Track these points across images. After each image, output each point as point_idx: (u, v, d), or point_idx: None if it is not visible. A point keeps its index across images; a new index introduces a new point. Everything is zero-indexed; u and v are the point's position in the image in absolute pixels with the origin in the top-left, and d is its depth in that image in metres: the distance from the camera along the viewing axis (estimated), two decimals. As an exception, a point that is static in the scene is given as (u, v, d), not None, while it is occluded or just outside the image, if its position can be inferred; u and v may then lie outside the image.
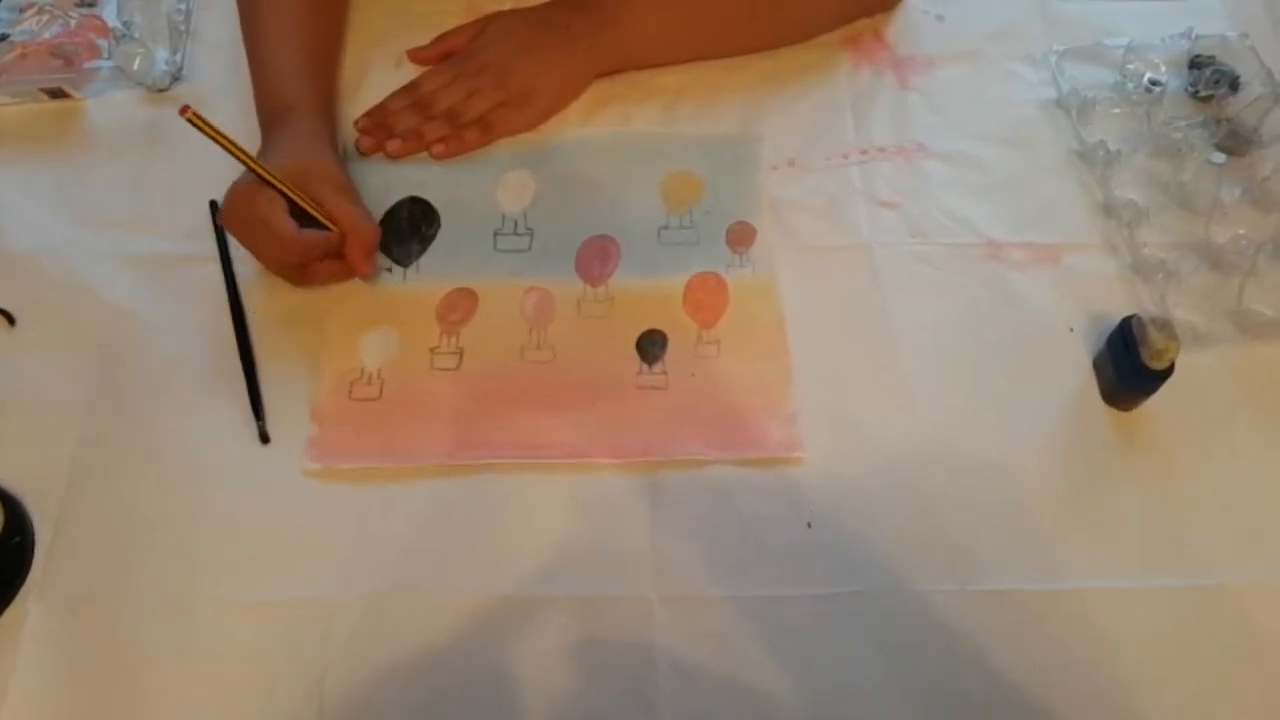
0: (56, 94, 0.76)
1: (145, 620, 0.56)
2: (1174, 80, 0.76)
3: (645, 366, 0.64)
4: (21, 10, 0.79)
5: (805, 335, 0.65)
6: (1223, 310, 0.66)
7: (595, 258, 0.69)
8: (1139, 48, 0.77)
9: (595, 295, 0.67)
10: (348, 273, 0.66)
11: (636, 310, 0.67)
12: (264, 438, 0.62)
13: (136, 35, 0.76)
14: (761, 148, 0.74)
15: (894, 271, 0.68)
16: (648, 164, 0.73)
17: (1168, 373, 0.59)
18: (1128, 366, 0.60)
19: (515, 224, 0.71)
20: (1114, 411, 0.63)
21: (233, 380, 0.64)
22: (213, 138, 0.59)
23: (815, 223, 0.70)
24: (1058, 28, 0.80)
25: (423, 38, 0.78)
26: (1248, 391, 0.63)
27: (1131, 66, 0.76)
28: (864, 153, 0.74)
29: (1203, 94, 0.75)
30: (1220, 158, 0.70)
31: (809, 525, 0.59)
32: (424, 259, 0.69)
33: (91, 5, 0.80)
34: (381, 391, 0.64)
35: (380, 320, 0.66)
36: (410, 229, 0.70)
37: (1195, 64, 0.76)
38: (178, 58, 0.78)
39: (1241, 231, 0.68)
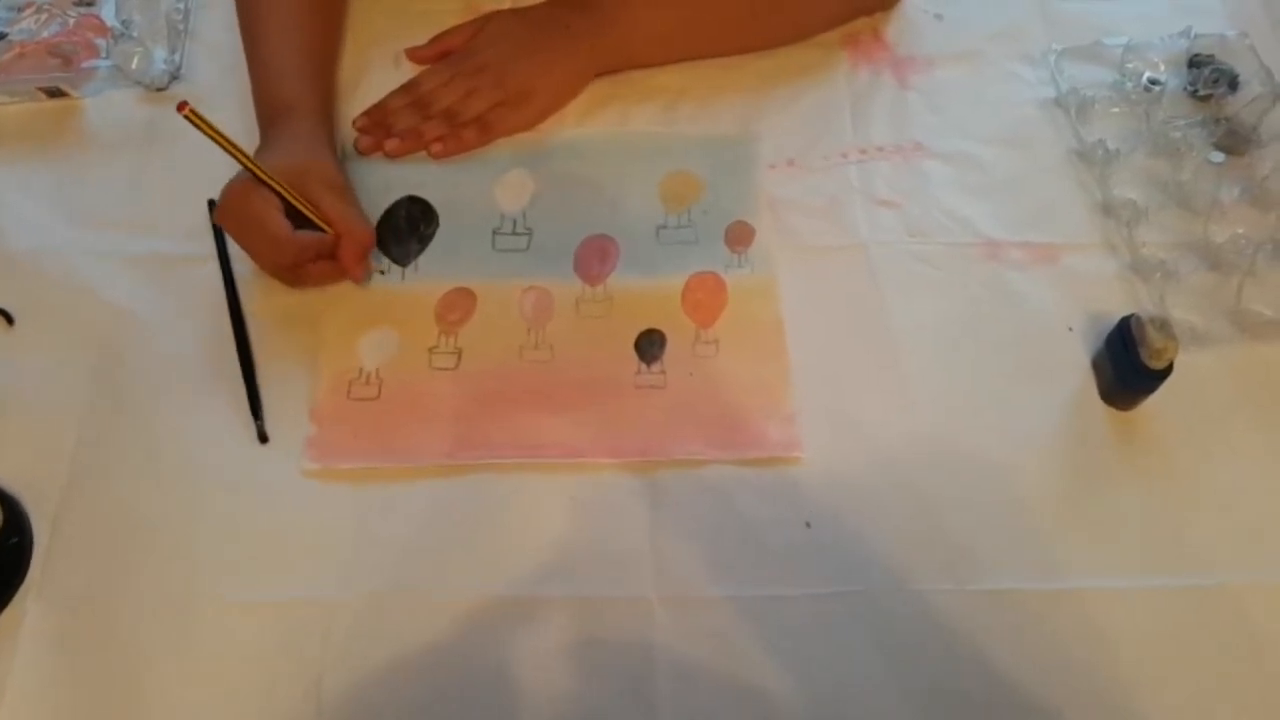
0: (55, 93, 0.76)
1: (144, 620, 0.56)
2: (1173, 79, 0.76)
3: (644, 366, 0.64)
4: (20, 9, 0.78)
5: (804, 335, 0.65)
6: (1221, 310, 0.66)
7: (594, 257, 0.69)
8: (1138, 47, 0.77)
9: (594, 295, 0.67)
10: (341, 275, 0.66)
11: (635, 310, 0.66)
12: (263, 438, 0.62)
13: (135, 34, 0.76)
14: (760, 147, 0.73)
15: (893, 271, 0.68)
16: (646, 163, 0.73)
17: (1166, 372, 0.59)
18: (1127, 366, 0.60)
19: (514, 223, 0.70)
20: (1113, 411, 0.63)
21: (232, 380, 0.63)
22: (210, 135, 0.59)
23: (814, 222, 0.70)
24: (1057, 27, 0.80)
25: (421, 37, 0.78)
26: (1247, 391, 0.64)
27: (1130, 66, 0.76)
28: (863, 152, 0.74)
29: (1202, 93, 0.75)
30: (1219, 157, 0.70)
31: (808, 525, 0.59)
32: (422, 258, 0.69)
33: (90, 4, 0.79)
34: (380, 391, 0.64)
35: (379, 320, 0.66)
36: (409, 228, 0.70)
37: (1194, 63, 0.76)
38: (176, 57, 0.78)
39: (1240, 231, 0.68)
